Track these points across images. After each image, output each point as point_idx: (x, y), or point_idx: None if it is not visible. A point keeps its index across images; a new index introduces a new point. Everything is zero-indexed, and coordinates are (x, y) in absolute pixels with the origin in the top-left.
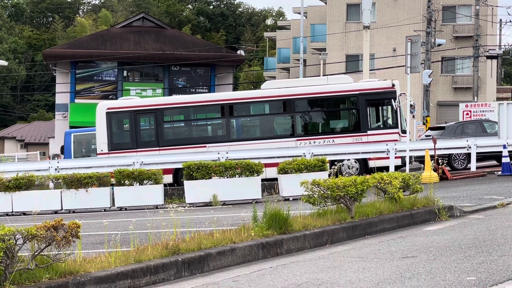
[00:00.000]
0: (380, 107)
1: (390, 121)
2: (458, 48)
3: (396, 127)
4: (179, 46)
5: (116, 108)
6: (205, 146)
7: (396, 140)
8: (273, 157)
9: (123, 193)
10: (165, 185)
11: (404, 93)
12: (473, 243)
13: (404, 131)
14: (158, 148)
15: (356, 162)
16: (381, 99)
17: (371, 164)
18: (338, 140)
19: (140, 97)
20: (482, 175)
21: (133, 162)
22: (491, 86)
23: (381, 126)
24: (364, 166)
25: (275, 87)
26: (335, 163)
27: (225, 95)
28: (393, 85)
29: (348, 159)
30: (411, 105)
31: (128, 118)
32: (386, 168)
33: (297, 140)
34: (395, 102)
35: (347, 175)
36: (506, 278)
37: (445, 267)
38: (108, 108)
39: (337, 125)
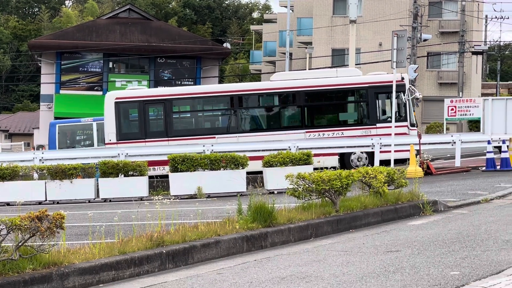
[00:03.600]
0: (389, 100)
1: (399, 114)
2: (443, 43)
3: (405, 120)
4: (165, 38)
5: (125, 98)
6: (214, 137)
7: (405, 134)
8: (258, 150)
9: (107, 184)
10: (152, 177)
11: (411, 86)
12: (457, 238)
13: (412, 124)
14: (167, 139)
15: (364, 155)
16: (390, 92)
17: (380, 157)
18: (346, 133)
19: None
20: (466, 170)
21: (118, 154)
22: (476, 82)
23: (390, 119)
24: (372, 159)
25: (285, 79)
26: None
27: (235, 86)
28: (403, 78)
29: (355, 152)
30: (416, 98)
31: (137, 108)
32: (395, 161)
33: (306, 132)
34: (404, 95)
35: (355, 167)
36: (489, 273)
37: (429, 262)
38: (117, 98)
39: (346, 117)
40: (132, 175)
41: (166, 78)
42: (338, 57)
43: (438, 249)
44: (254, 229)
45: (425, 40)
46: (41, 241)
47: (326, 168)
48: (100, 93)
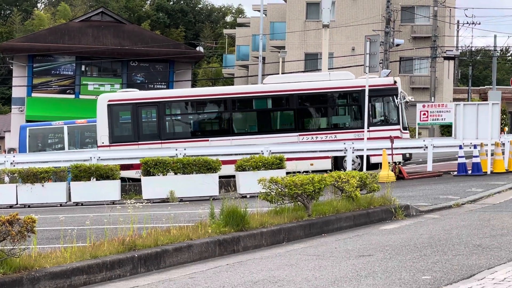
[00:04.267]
0: (382, 104)
1: (392, 118)
2: (416, 48)
3: (398, 123)
4: (138, 41)
5: (118, 100)
6: (208, 140)
7: (398, 137)
8: (231, 154)
9: (79, 188)
10: (125, 180)
11: (401, 91)
12: (428, 242)
13: (405, 128)
14: (160, 141)
15: (357, 158)
16: (383, 96)
17: (373, 160)
18: (340, 136)
19: (98, 92)
20: (438, 175)
21: (90, 157)
22: (448, 86)
23: (383, 122)
24: (366, 162)
25: (278, 82)
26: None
27: (228, 89)
28: (395, 82)
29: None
30: (406, 102)
31: (130, 110)
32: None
33: (300, 135)
34: (397, 99)
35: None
36: (461, 277)
37: (401, 266)
38: (109, 100)
39: (339, 120)
40: (105, 179)
41: (139, 81)
42: (311, 62)
43: (410, 254)
44: (226, 233)
45: (397, 45)
46: (12, 245)
47: (322, 171)
48: (73, 96)
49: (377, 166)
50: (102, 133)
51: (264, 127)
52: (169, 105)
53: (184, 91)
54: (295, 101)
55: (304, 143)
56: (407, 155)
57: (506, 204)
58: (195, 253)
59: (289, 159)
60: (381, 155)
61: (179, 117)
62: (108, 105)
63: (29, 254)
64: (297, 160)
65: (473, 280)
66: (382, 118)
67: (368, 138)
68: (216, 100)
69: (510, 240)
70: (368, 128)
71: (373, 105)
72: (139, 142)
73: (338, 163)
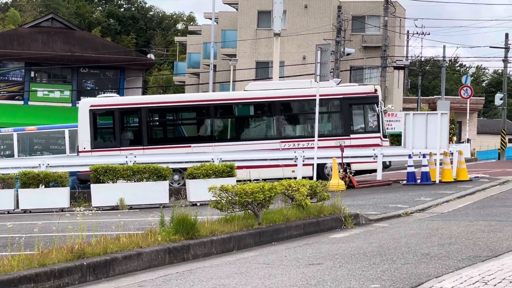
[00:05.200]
0: (362, 111)
1: (372, 126)
2: (366, 58)
3: (378, 131)
4: (88, 48)
5: (100, 105)
6: (190, 146)
7: (378, 145)
8: (181, 162)
9: (28, 195)
10: (75, 187)
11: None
12: (377, 251)
13: (385, 136)
14: (142, 147)
15: (339, 165)
16: (364, 104)
17: (354, 167)
18: (321, 143)
19: (47, 99)
20: (387, 184)
21: (39, 164)
22: (398, 96)
23: (364, 130)
24: (349, 170)
25: (260, 89)
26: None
27: (211, 95)
28: (376, 90)
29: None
30: (384, 111)
31: (112, 116)
32: (369, 171)
33: (281, 142)
34: (377, 107)
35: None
36: (409, 286)
37: (350, 275)
38: (91, 105)
39: (321, 128)
40: (54, 186)
41: (89, 88)
42: (262, 70)
43: (359, 262)
44: (176, 241)
45: (348, 54)
46: None
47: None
48: (21, 102)
49: (359, 173)
50: (84, 139)
51: (246, 134)
52: (151, 111)
53: (166, 97)
54: (277, 108)
55: (255, 151)
56: (387, 163)
57: (454, 213)
58: (145, 261)
59: (270, 166)
60: (361, 162)
61: (161, 123)
62: (90, 110)
63: None
64: (282, 167)
65: None
66: (363, 126)
67: (349, 146)
68: (198, 107)
69: (458, 248)
70: (349, 135)
71: (354, 113)
72: (121, 148)
73: (320, 171)
